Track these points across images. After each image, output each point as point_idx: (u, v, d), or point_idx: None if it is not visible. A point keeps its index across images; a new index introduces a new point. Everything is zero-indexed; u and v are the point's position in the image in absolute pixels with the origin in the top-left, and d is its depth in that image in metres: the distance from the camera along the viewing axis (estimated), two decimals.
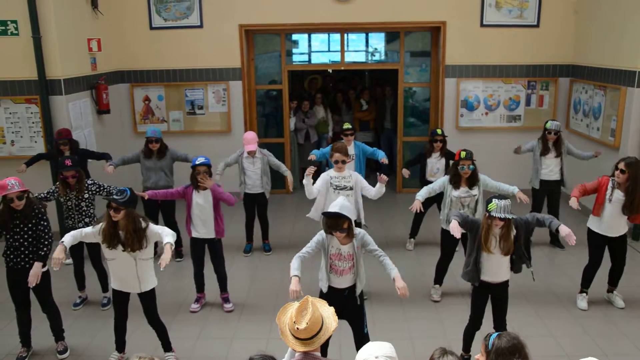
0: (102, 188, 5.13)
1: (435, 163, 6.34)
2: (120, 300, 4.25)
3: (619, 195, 4.84)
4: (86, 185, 5.06)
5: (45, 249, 4.19)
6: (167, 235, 3.96)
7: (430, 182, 6.11)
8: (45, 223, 4.25)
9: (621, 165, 4.76)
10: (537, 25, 7.95)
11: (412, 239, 6.70)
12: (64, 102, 6.62)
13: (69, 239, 3.96)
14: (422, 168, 6.46)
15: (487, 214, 3.82)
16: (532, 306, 5.14)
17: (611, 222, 4.92)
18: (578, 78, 7.86)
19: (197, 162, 5.03)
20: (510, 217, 3.75)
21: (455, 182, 5.04)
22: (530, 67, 8.10)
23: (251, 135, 6.27)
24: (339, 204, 3.65)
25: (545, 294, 5.39)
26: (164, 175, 6.20)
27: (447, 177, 5.14)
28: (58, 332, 4.52)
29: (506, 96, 8.21)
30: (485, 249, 3.92)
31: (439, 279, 5.41)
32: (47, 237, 4.22)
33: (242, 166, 6.31)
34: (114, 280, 4.19)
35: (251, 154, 6.24)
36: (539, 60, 8.07)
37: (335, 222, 3.62)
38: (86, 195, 5.08)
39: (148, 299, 4.22)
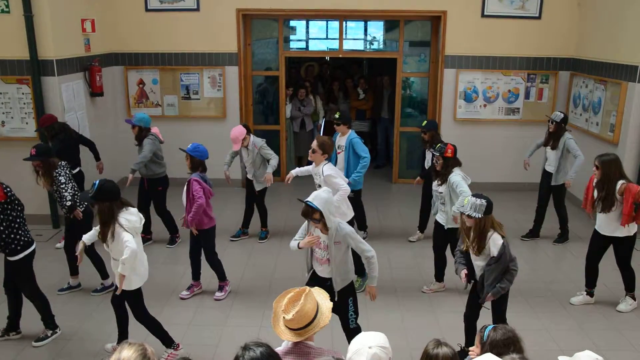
0: (62, 185, 4.83)
1: (428, 154, 6.29)
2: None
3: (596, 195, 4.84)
4: (53, 177, 4.83)
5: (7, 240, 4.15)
6: (121, 261, 3.83)
7: (428, 172, 6.12)
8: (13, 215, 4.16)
9: (596, 162, 4.77)
10: (539, 17, 7.86)
11: (419, 232, 6.59)
12: (56, 83, 6.49)
13: (87, 237, 4.11)
14: (421, 159, 6.46)
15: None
16: (527, 301, 5.11)
17: (599, 218, 4.89)
18: (578, 72, 7.79)
19: (187, 149, 5.01)
20: (472, 215, 3.74)
21: (433, 172, 5.12)
22: (531, 60, 8.02)
23: (234, 134, 6.02)
24: (315, 194, 3.71)
25: (540, 289, 5.36)
26: (143, 166, 6.00)
27: None
28: (46, 319, 4.44)
29: (505, 88, 8.14)
30: (464, 245, 3.96)
31: (438, 275, 5.32)
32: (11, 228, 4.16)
33: (240, 154, 6.27)
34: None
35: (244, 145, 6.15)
36: (539, 53, 7.99)
37: (306, 210, 3.68)
38: (55, 188, 4.88)
39: (127, 298, 4.12)
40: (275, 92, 8.70)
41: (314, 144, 5.11)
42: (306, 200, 3.66)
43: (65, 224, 5.22)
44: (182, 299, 5.13)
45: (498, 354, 2.53)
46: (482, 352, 2.66)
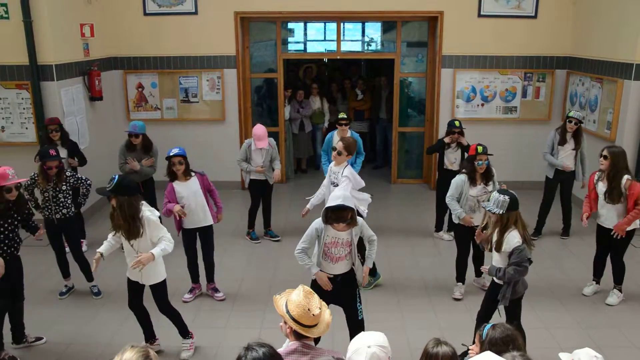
0: (80, 180, 5.05)
1: (452, 153, 6.30)
2: (132, 287, 4.22)
3: (602, 187, 4.91)
4: (65, 177, 4.96)
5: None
6: (159, 246, 3.97)
7: (448, 170, 6.20)
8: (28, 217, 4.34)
9: (605, 152, 4.87)
10: (535, 16, 7.89)
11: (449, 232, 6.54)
12: (55, 88, 6.51)
13: (105, 247, 4.12)
14: (440, 157, 6.48)
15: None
16: (526, 298, 5.10)
17: (602, 211, 4.98)
18: (575, 70, 7.82)
19: (171, 153, 4.87)
20: (494, 211, 3.78)
21: (472, 178, 4.98)
22: (527, 59, 8.04)
23: (261, 131, 6.13)
24: (341, 196, 3.67)
25: (540, 286, 5.37)
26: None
27: (460, 177, 5.05)
28: (21, 327, 4.45)
29: (502, 87, 8.17)
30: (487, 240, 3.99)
31: (460, 277, 5.26)
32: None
33: (249, 156, 6.25)
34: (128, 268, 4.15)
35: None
36: (536, 52, 8.01)
37: (340, 215, 3.65)
38: (64, 187, 4.97)
39: (154, 291, 4.19)
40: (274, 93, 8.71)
41: (340, 145, 5.14)
42: (338, 204, 3.61)
43: (46, 226, 5.14)
44: (184, 302, 5.14)
45: (497, 352, 2.55)
46: (482, 350, 2.66)
